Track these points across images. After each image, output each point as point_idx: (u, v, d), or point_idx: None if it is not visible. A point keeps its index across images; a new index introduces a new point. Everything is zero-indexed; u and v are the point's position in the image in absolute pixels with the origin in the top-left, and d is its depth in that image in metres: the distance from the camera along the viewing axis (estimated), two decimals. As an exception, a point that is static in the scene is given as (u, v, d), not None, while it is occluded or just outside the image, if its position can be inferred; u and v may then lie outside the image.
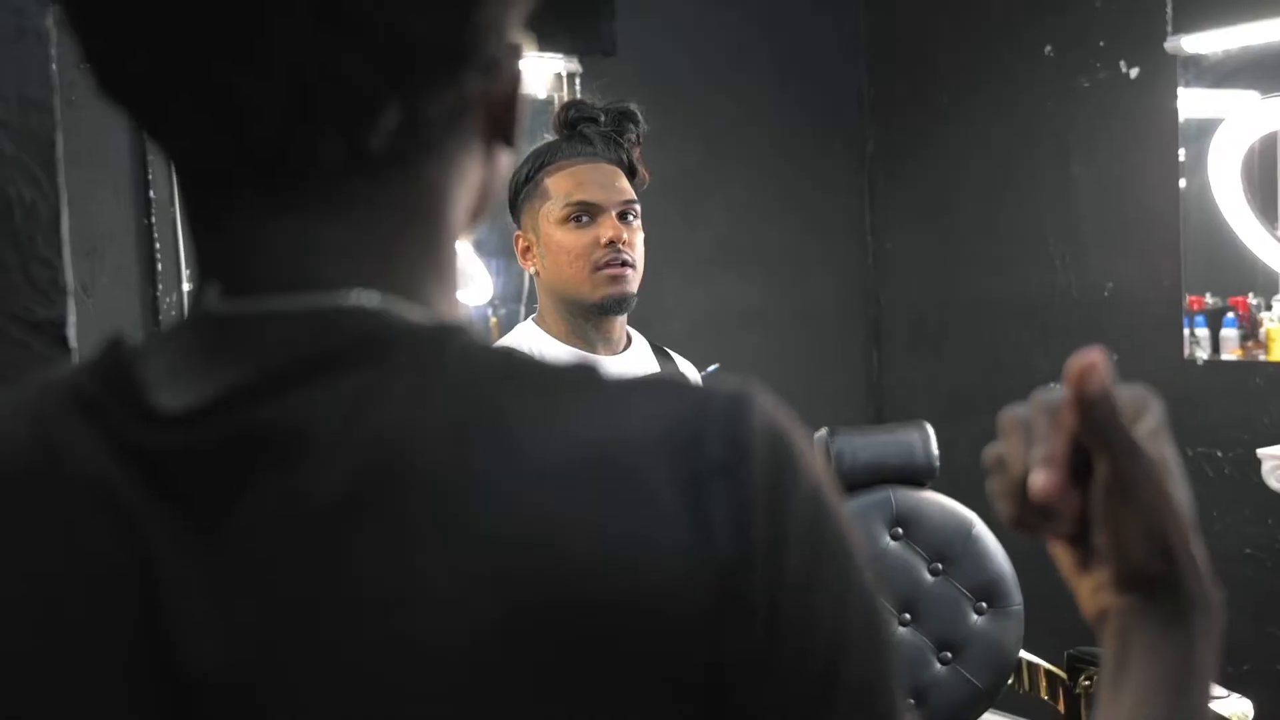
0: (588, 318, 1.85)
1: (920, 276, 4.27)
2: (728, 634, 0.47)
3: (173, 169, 0.54)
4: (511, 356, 0.52)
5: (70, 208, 3.28)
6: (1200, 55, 3.37)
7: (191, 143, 0.51)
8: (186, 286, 3.25)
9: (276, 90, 0.48)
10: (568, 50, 3.68)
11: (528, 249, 1.89)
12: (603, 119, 1.89)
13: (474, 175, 0.57)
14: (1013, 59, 3.87)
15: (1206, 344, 3.46)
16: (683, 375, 0.53)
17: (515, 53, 0.56)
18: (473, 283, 3.97)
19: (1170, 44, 3.38)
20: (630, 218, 1.86)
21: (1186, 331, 3.48)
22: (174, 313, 3.22)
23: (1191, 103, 3.40)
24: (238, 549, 0.48)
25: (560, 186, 1.85)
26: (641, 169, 1.92)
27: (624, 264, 1.83)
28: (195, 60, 0.48)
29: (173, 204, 3.20)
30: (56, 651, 0.49)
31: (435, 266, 0.55)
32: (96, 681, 0.48)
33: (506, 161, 0.60)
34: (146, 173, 3.18)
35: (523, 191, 1.88)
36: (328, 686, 0.47)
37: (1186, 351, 3.48)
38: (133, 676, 0.48)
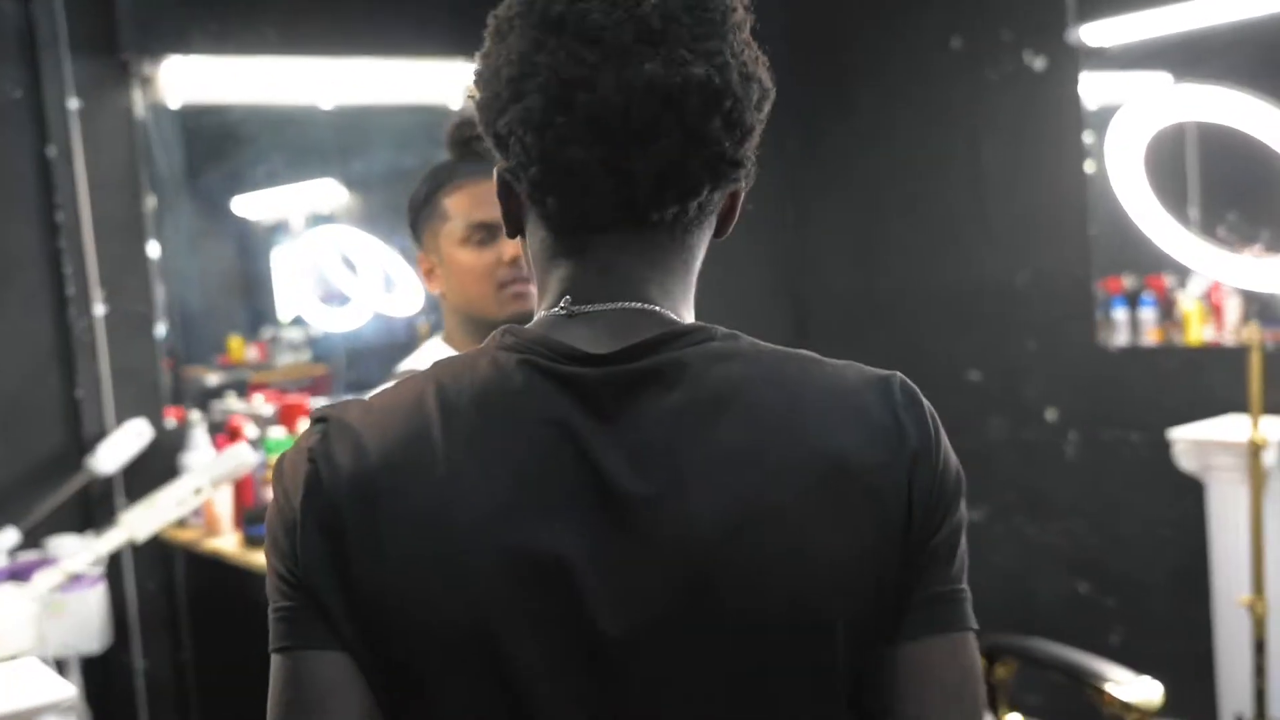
0: None
1: (843, 269, 4.31)
2: (917, 483, 0.87)
3: (543, 223, 0.90)
4: (761, 344, 0.90)
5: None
6: (1104, 46, 3.42)
7: (595, 202, 0.86)
8: (100, 310, 3.21)
9: (652, 176, 0.85)
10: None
11: (430, 271, 1.87)
12: None
13: (704, 250, 0.95)
14: (922, 52, 3.92)
15: (1125, 327, 3.51)
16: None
17: (750, 174, 0.91)
18: (402, 294, 3.96)
19: (1072, 34, 3.44)
20: None
21: (1104, 314, 3.54)
22: (86, 338, 3.19)
23: (1100, 89, 3.46)
24: (633, 430, 0.84)
25: (458, 206, 1.82)
26: None
27: (527, 280, 1.82)
28: (615, 156, 0.84)
29: (80, 229, 3.17)
30: (536, 483, 0.83)
31: (687, 296, 0.94)
32: (558, 496, 0.83)
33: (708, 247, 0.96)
34: (52, 197, 3.14)
35: (422, 213, 1.87)
36: (704, 499, 0.82)
37: (1099, 336, 3.55)
38: (580, 494, 0.83)
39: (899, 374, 0.91)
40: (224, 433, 3.29)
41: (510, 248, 1.80)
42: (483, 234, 1.80)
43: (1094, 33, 3.42)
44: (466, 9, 3.74)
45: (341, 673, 0.82)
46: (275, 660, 0.84)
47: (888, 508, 0.85)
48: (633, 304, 0.89)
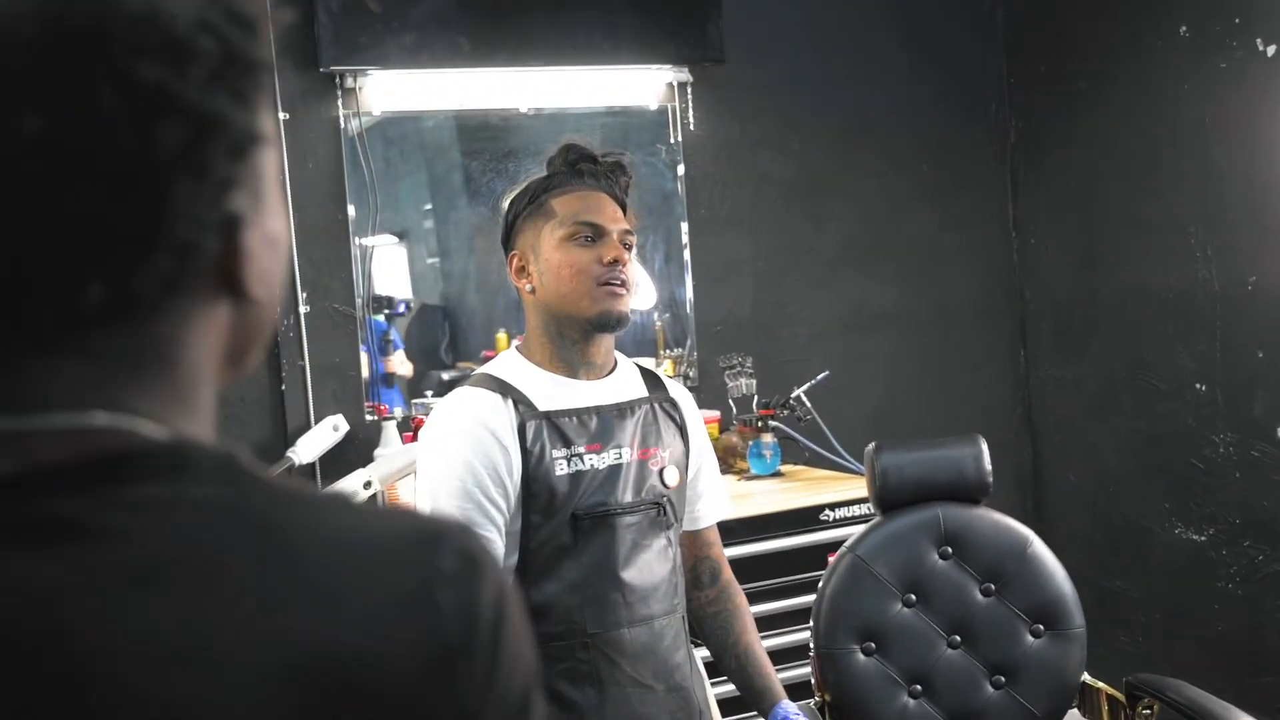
0: (576, 338, 1.90)
1: (1064, 271, 4.09)
2: (448, 690, 0.61)
3: None
4: (256, 484, 0.64)
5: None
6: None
7: None
8: (304, 309, 3.42)
9: (4, 272, 0.59)
10: (675, 60, 3.68)
11: (523, 267, 1.94)
12: (599, 160, 1.96)
13: (220, 323, 0.67)
14: (1149, 41, 3.67)
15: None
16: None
17: (232, 226, 0.64)
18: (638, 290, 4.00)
19: (1306, 17, 3.14)
20: (627, 248, 1.91)
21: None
22: (291, 335, 3.40)
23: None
24: (16, 598, 0.58)
25: (568, 207, 1.92)
26: (631, 214, 1.97)
27: (623, 284, 1.88)
28: None
29: (289, 232, 3.38)
30: None
31: (179, 398, 0.66)
32: None
33: (268, 308, 0.70)
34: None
35: (524, 213, 1.95)
36: (108, 706, 0.56)
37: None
38: None
39: (459, 534, 0.66)
40: (410, 430, 3.43)
41: (614, 250, 1.88)
42: (589, 232, 1.91)
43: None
44: (653, 17, 3.74)
45: None
46: None
47: None
48: (89, 414, 0.62)
